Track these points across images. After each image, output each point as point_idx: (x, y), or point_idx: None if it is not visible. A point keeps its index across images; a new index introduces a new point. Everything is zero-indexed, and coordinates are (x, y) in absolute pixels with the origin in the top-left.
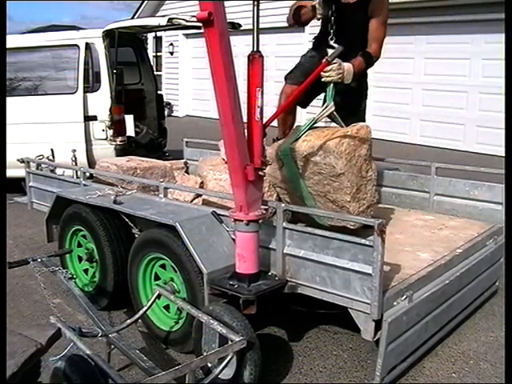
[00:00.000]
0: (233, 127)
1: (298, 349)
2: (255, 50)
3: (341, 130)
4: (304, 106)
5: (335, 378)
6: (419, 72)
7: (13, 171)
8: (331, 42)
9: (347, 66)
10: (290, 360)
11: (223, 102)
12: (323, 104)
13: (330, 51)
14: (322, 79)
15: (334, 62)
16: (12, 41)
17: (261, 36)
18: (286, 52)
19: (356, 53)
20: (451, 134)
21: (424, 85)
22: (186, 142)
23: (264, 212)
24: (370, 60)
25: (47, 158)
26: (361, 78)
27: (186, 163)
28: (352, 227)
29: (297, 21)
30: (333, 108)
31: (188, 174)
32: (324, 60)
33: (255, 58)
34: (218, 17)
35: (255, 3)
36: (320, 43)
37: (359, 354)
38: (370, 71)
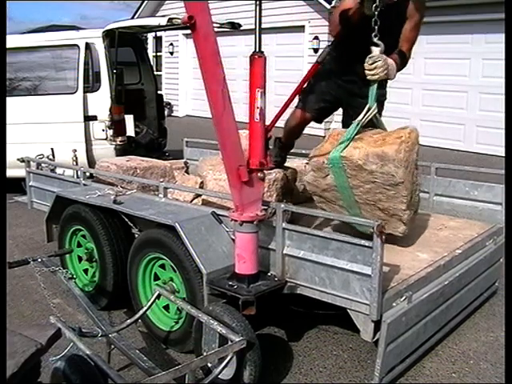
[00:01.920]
0: (223, 127)
1: (297, 349)
2: (257, 49)
3: (392, 135)
4: (319, 121)
5: (335, 378)
6: (419, 72)
7: (13, 171)
8: (375, 40)
9: (390, 61)
10: (289, 360)
11: (213, 102)
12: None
13: (375, 49)
14: (368, 77)
15: (378, 58)
16: (12, 41)
17: (261, 36)
18: (286, 52)
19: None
20: (451, 134)
21: (424, 85)
22: (186, 141)
23: (258, 214)
24: (405, 59)
25: (47, 157)
26: (382, 88)
27: (185, 163)
28: (401, 234)
29: (344, 25)
30: (376, 110)
31: (188, 173)
32: (315, 61)
33: (255, 58)
34: (200, 19)
35: (257, 3)
36: (342, 49)
37: (359, 354)
38: None
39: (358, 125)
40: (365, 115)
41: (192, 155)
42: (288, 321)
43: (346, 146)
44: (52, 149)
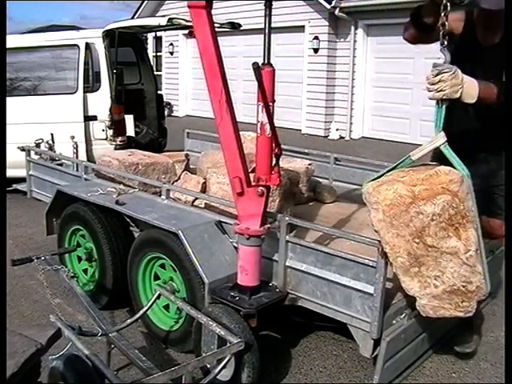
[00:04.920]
0: (220, 136)
1: (298, 349)
2: (266, 61)
3: (414, 173)
4: None
5: (335, 378)
6: (419, 72)
7: (13, 171)
8: (441, 47)
9: (470, 80)
10: (289, 360)
11: (213, 111)
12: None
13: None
14: (430, 95)
15: (446, 69)
16: (12, 41)
17: (260, 36)
18: (286, 52)
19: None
20: None
21: (424, 85)
22: (187, 132)
23: (256, 229)
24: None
25: (47, 142)
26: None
27: (186, 155)
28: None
29: (422, 25)
30: (442, 140)
31: (189, 166)
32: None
33: (261, 71)
34: (198, 32)
35: (267, 13)
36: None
37: (359, 354)
38: (370, 70)
39: (407, 157)
40: (426, 145)
41: (193, 147)
42: (288, 321)
43: (374, 179)
44: (52, 134)
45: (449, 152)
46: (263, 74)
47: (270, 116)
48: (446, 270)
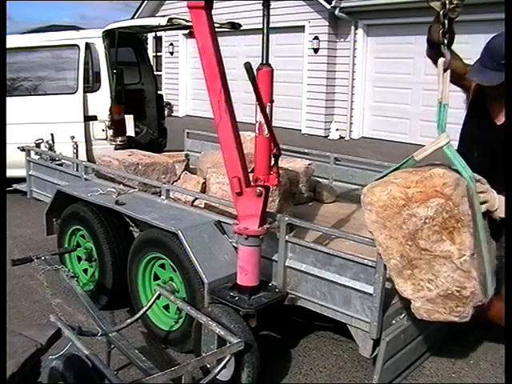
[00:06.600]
0: (219, 136)
1: (298, 349)
2: (264, 61)
3: (409, 175)
4: None
5: (335, 378)
6: (419, 72)
7: (13, 171)
8: (442, 48)
9: (501, 198)
10: (289, 360)
11: (212, 110)
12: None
13: (441, 60)
14: (483, 204)
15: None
16: (12, 41)
17: (261, 36)
18: (286, 52)
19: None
20: (451, 133)
21: (424, 85)
22: (187, 133)
23: (255, 229)
24: None
25: (47, 142)
26: None
27: (186, 155)
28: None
29: (432, 44)
30: (445, 140)
31: (189, 166)
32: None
33: (259, 71)
34: (198, 31)
35: (265, 13)
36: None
37: (359, 354)
38: (370, 70)
39: (410, 157)
40: (430, 144)
41: (193, 147)
42: (288, 320)
43: (382, 177)
44: (52, 134)
45: (451, 153)
46: (261, 74)
47: (266, 116)
48: (439, 274)
